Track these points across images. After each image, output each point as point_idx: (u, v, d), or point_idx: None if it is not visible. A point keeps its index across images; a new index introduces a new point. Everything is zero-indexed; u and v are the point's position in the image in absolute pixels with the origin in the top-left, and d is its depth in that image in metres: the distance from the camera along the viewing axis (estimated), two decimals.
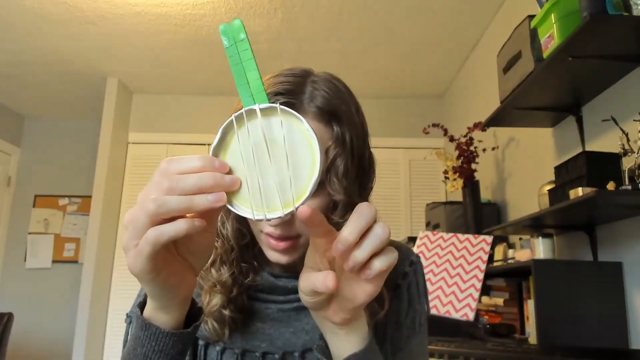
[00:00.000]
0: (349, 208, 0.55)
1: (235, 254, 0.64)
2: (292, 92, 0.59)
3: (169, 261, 0.43)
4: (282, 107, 0.42)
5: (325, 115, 0.60)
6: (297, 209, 0.42)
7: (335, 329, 0.50)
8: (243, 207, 0.43)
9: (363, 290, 0.45)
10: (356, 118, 0.64)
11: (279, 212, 0.42)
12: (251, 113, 0.43)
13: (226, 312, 0.63)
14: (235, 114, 0.43)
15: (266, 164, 0.43)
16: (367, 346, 0.51)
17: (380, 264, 0.42)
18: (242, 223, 0.65)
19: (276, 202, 0.42)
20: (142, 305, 0.50)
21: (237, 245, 0.64)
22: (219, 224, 0.65)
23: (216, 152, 0.43)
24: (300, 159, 0.42)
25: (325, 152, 0.59)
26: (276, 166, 0.42)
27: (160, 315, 0.48)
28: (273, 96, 0.59)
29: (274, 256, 0.60)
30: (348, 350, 0.50)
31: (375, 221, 0.42)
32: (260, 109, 0.42)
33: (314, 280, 0.43)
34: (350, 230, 0.41)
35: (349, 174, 0.59)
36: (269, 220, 0.43)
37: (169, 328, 0.48)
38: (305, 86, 0.60)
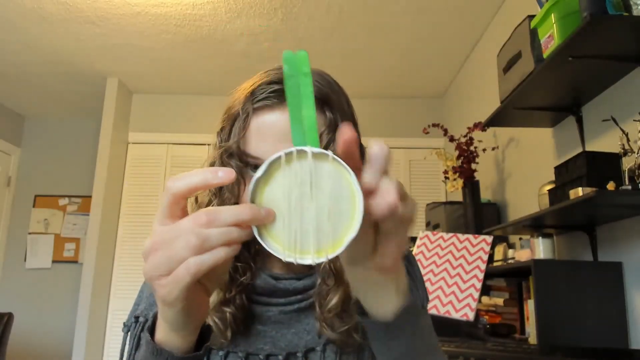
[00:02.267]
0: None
1: None
2: (277, 83, 0.61)
3: (192, 287, 0.43)
4: (334, 156, 0.41)
5: (317, 101, 0.61)
6: (329, 259, 0.41)
7: (381, 280, 0.46)
8: (274, 245, 0.42)
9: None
10: (347, 108, 0.66)
11: (310, 259, 0.41)
12: (301, 153, 0.42)
13: (227, 309, 0.63)
14: (286, 151, 0.41)
15: (307, 206, 0.41)
16: (411, 295, 0.49)
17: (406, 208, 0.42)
18: None
19: (309, 247, 0.41)
20: (150, 328, 0.49)
21: None
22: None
23: (257, 183, 0.42)
24: (342, 211, 0.41)
25: (319, 137, 0.60)
26: (316, 212, 0.41)
27: (173, 340, 0.47)
28: (266, 85, 0.61)
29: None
30: (398, 302, 0.47)
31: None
32: (312, 152, 0.41)
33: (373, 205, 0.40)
34: (370, 176, 0.40)
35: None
36: (298, 264, 0.42)
37: (181, 352, 0.48)
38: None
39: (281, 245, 0.42)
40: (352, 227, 0.41)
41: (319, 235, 0.41)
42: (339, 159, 0.41)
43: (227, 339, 0.64)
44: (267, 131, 0.61)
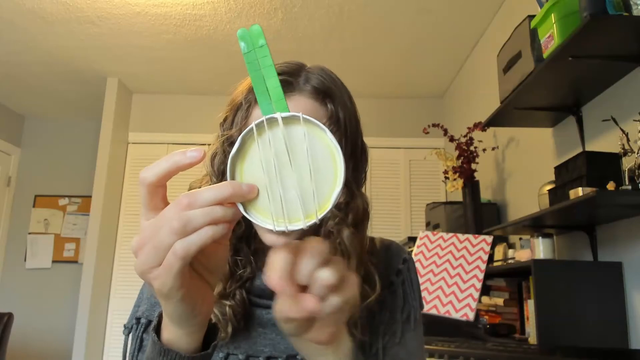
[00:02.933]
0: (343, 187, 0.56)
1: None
2: (289, 73, 0.63)
3: (190, 278, 0.42)
4: (305, 116, 0.41)
5: (320, 94, 0.63)
6: (319, 220, 0.41)
7: (322, 350, 0.47)
8: (262, 217, 0.42)
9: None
10: (349, 104, 0.66)
11: (301, 223, 0.41)
12: (272, 121, 0.41)
13: (227, 302, 0.63)
14: (256, 122, 0.41)
15: (287, 173, 0.41)
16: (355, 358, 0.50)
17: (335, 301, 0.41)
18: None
19: (297, 213, 0.41)
20: (156, 328, 0.49)
21: (232, 232, 0.64)
22: None
23: (234, 160, 0.42)
24: (323, 170, 0.41)
25: None
26: (298, 176, 0.41)
27: (180, 338, 0.47)
28: None
29: (269, 239, 0.60)
30: None
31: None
32: (282, 118, 0.41)
33: (288, 308, 0.41)
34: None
35: (345, 153, 0.62)
36: (290, 231, 0.41)
37: (189, 351, 0.47)
38: (301, 71, 0.65)
39: (269, 217, 0.41)
40: (336, 183, 0.41)
41: (304, 198, 0.41)
42: (311, 118, 0.41)
43: (227, 334, 0.63)
44: None
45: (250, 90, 0.63)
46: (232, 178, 0.42)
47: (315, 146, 0.41)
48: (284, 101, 0.42)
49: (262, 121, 0.41)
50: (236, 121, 0.64)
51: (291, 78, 0.63)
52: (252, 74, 0.42)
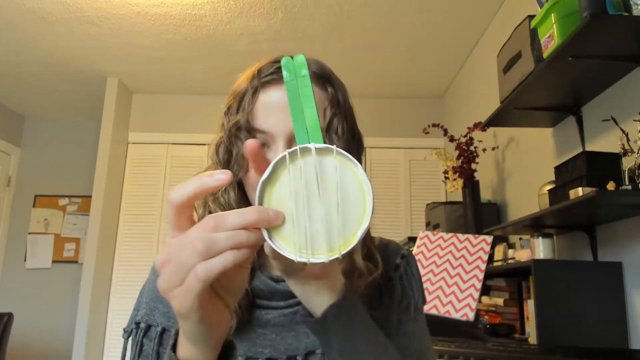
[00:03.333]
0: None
1: None
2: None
3: (209, 299, 0.42)
4: (338, 149, 0.41)
5: (320, 79, 0.66)
6: (342, 256, 0.41)
7: (317, 286, 0.50)
8: (285, 246, 0.41)
9: None
10: (346, 93, 0.69)
11: (324, 257, 0.40)
12: (305, 151, 0.41)
13: None
14: (289, 150, 0.41)
15: (315, 204, 0.41)
16: (345, 294, 0.53)
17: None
18: (242, 200, 0.65)
19: (321, 246, 0.41)
20: (173, 346, 0.49)
21: None
22: (209, 200, 0.66)
23: (264, 186, 0.42)
24: (351, 205, 0.41)
25: (322, 113, 0.63)
26: (325, 208, 0.41)
27: (195, 357, 0.46)
28: (273, 63, 0.65)
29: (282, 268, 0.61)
30: (330, 301, 0.51)
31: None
32: (316, 149, 0.41)
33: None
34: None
35: (347, 134, 0.64)
36: (311, 264, 0.41)
37: None
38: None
39: (292, 246, 0.41)
40: (364, 219, 0.41)
41: (329, 231, 0.41)
42: (344, 152, 0.41)
43: (231, 328, 0.63)
44: (275, 105, 0.63)
45: (255, 77, 0.65)
46: (260, 203, 0.42)
47: (346, 179, 0.41)
48: (319, 132, 0.42)
49: (296, 150, 0.41)
50: (242, 106, 0.64)
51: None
52: (292, 102, 0.43)
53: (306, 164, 0.42)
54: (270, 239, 0.41)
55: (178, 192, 0.40)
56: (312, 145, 0.41)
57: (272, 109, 0.63)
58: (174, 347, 0.48)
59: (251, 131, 0.63)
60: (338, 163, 0.41)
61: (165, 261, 0.40)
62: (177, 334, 0.48)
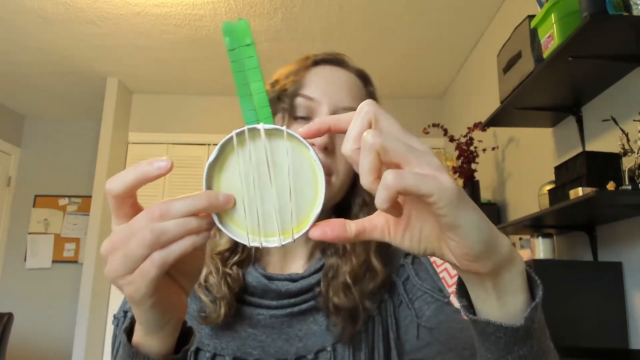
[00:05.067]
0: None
1: None
2: (333, 55, 0.71)
3: (164, 284, 0.41)
4: (288, 131, 0.39)
5: (362, 78, 0.71)
6: (294, 240, 0.39)
7: (481, 283, 0.38)
8: (237, 230, 0.40)
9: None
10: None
11: (276, 241, 0.39)
12: (254, 132, 0.39)
13: (227, 270, 0.63)
14: (236, 131, 0.39)
15: (266, 187, 0.39)
16: (530, 315, 0.37)
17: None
18: None
19: (274, 229, 0.40)
20: (128, 330, 0.47)
21: None
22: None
23: (212, 169, 0.40)
24: (304, 188, 0.39)
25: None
26: (277, 191, 0.39)
27: (151, 342, 0.45)
28: (324, 53, 0.71)
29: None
30: (504, 317, 0.38)
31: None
32: (265, 130, 0.39)
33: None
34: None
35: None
36: (263, 247, 0.40)
37: (159, 355, 0.45)
38: (344, 56, 0.73)
39: (244, 230, 0.40)
40: (316, 203, 0.39)
41: (282, 215, 0.39)
42: (295, 133, 0.39)
43: (219, 316, 0.62)
44: (325, 78, 0.67)
45: (307, 57, 0.70)
46: (209, 187, 0.40)
47: (298, 162, 0.39)
48: (268, 109, 0.39)
49: (243, 131, 0.39)
50: (292, 75, 0.67)
51: (338, 57, 0.71)
52: (236, 75, 0.39)
53: (255, 146, 0.39)
54: (221, 223, 0.40)
55: (116, 181, 0.38)
56: (261, 127, 0.39)
57: (322, 80, 0.66)
58: (129, 332, 0.47)
59: (297, 96, 0.65)
60: (290, 145, 0.39)
61: (111, 249, 0.38)
62: (133, 318, 0.46)
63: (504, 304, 0.38)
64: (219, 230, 0.40)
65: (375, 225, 0.39)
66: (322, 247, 0.68)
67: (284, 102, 0.65)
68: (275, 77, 0.69)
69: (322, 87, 0.65)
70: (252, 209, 0.40)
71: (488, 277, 0.37)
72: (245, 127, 0.39)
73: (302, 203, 0.39)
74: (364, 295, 0.63)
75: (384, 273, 0.64)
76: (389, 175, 0.32)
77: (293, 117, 0.65)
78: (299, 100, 0.64)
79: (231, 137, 0.39)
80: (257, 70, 0.39)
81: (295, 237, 0.39)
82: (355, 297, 0.62)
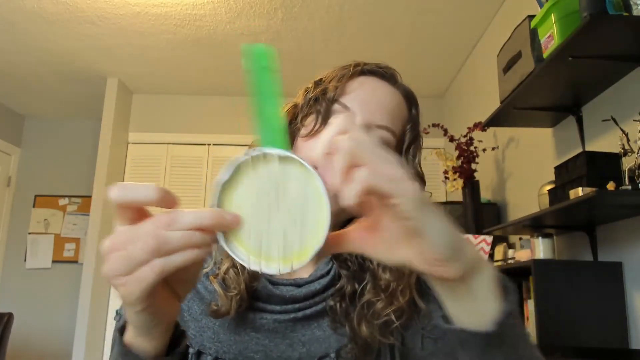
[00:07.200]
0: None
1: None
2: (385, 68, 0.69)
3: (159, 290, 0.41)
4: (302, 161, 0.39)
5: (409, 99, 0.69)
6: (293, 270, 0.40)
7: (452, 290, 0.40)
8: (239, 250, 0.40)
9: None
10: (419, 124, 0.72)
11: (276, 268, 0.40)
12: (269, 156, 0.40)
13: (242, 268, 0.63)
14: (253, 154, 0.39)
15: (274, 212, 0.40)
16: (506, 312, 0.39)
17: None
18: None
19: (275, 255, 0.40)
20: (121, 329, 0.48)
21: None
22: None
23: (224, 187, 0.40)
24: (309, 218, 0.39)
25: (402, 131, 0.67)
26: (284, 218, 0.40)
27: (142, 342, 0.46)
28: (372, 63, 0.68)
29: None
30: (476, 321, 0.40)
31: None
32: (280, 156, 0.39)
33: None
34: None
35: (418, 159, 0.69)
36: (263, 272, 0.40)
37: (150, 356, 0.46)
38: (396, 73, 0.71)
39: (247, 251, 0.40)
40: (318, 237, 0.39)
41: (285, 242, 0.40)
42: (306, 164, 0.39)
43: (228, 311, 0.62)
44: (368, 91, 0.65)
45: (356, 64, 0.67)
46: (219, 205, 0.40)
47: (306, 191, 0.40)
48: (282, 135, 0.40)
49: (260, 154, 0.40)
50: (335, 79, 0.66)
51: (388, 71, 0.69)
52: (254, 98, 0.40)
53: (269, 171, 0.40)
54: (225, 241, 0.40)
55: (120, 192, 0.39)
56: (276, 152, 0.39)
57: (363, 92, 0.64)
58: (122, 330, 0.48)
59: (334, 102, 0.64)
60: (300, 173, 0.40)
61: (113, 248, 0.38)
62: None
63: (477, 310, 0.40)
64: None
65: (354, 237, 0.41)
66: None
67: (320, 105, 0.64)
68: (321, 77, 0.68)
69: (361, 99, 0.63)
70: (258, 232, 0.40)
71: (459, 283, 0.39)
72: (262, 151, 0.40)
73: (306, 233, 0.40)
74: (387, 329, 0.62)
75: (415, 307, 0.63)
76: (362, 171, 0.34)
77: (326, 121, 0.64)
78: (335, 107, 0.63)
79: (247, 159, 0.40)
80: (273, 95, 0.40)
81: (295, 267, 0.40)
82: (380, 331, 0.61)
